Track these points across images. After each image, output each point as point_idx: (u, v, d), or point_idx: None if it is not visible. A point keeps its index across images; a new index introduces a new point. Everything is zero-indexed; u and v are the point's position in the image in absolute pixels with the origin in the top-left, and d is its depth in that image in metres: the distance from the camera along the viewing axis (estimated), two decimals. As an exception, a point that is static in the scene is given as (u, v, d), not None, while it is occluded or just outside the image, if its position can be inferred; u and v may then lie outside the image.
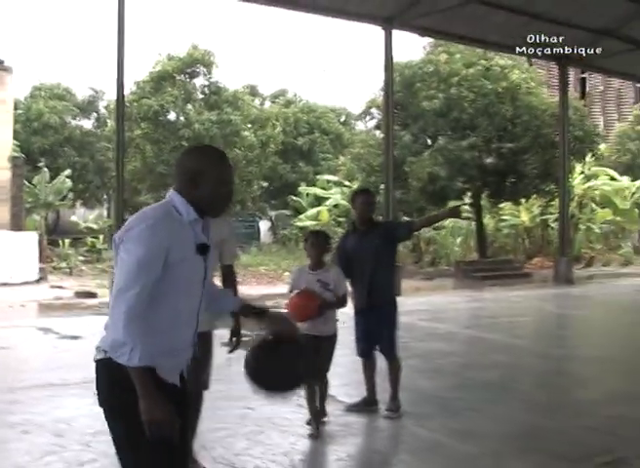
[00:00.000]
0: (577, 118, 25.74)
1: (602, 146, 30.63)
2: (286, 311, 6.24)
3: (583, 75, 49.46)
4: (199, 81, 27.58)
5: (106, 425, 3.14)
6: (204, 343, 5.29)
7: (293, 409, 7.26)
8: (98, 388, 3.13)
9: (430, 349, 10.87)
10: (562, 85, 23.32)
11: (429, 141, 24.94)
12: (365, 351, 7.19)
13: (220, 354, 10.20)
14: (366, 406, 7.15)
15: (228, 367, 9.54)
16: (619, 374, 9.68)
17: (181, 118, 26.42)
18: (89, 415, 7.02)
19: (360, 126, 40.02)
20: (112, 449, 5.71)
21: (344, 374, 8.27)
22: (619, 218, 33.14)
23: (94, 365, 3.11)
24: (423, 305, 16.20)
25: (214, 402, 7.51)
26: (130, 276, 2.98)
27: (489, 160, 25.47)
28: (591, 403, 8.06)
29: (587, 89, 54.45)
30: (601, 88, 53.27)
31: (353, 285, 7.10)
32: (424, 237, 31.39)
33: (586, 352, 11.64)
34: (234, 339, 5.47)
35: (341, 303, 6.47)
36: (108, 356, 3.00)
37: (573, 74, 49.88)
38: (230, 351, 5.47)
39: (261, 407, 7.30)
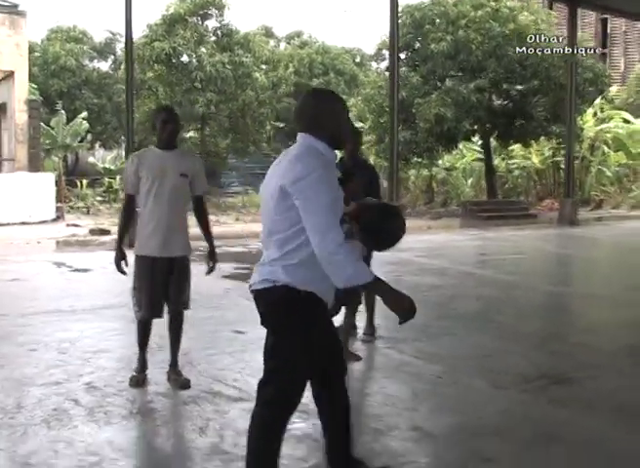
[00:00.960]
0: (587, 60, 25.86)
1: (613, 89, 30.61)
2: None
3: (605, 16, 48.89)
4: (211, 23, 27.87)
5: (272, 341, 3.81)
6: (182, 267, 5.93)
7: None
8: (268, 311, 3.77)
9: (421, 283, 11.39)
10: (570, 26, 23.41)
11: (438, 83, 25.19)
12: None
13: (218, 284, 10.88)
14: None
15: (225, 296, 10.26)
16: (599, 309, 10.20)
17: (194, 60, 26.77)
18: (92, 337, 7.71)
19: (375, 67, 40.15)
20: (109, 364, 6.46)
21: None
22: (632, 161, 33.27)
23: (259, 292, 3.74)
24: (424, 243, 16.69)
25: (207, 326, 8.22)
26: (324, 219, 3.49)
27: (497, 102, 25.74)
28: (562, 332, 8.64)
29: (608, 30, 53.97)
30: (623, 29, 52.78)
31: None
32: (437, 178, 31.81)
33: (574, 288, 12.20)
34: (210, 263, 6.08)
35: None
36: (281, 284, 3.62)
37: (594, 15, 49.49)
38: (207, 273, 6.08)
39: (252, 330, 7.94)
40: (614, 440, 5.05)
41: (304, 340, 3.71)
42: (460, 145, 29.01)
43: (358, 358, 6.95)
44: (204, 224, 6.17)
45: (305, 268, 3.61)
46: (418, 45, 25.57)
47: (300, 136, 3.76)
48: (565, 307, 10.74)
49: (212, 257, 6.13)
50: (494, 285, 11.52)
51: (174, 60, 26.74)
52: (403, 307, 3.58)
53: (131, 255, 5.99)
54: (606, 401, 5.90)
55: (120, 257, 5.97)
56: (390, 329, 8.09)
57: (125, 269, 5.97)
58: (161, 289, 5.93)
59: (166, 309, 6.03)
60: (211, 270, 6.14)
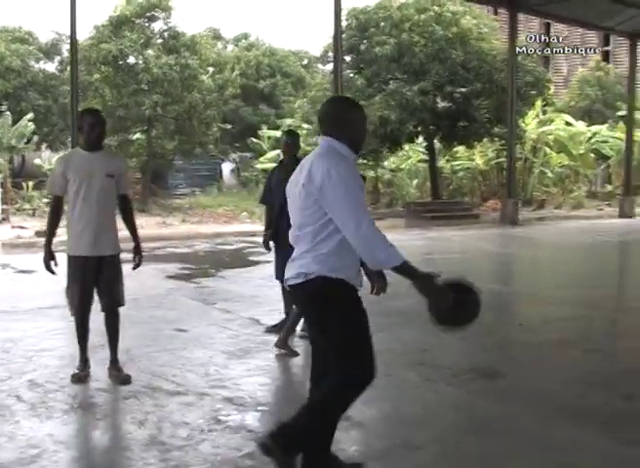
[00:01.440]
0: (528, 64, 26.40)
1: (552, 91, 31.23)
2: None
3: (548, 21, 49.65)
4: (158, 25, 27.85)
5: (316, 327, 4.26)
6: (112, 265, 6.14)
7: (219, 329, 8.14)
8: (306, 304, 4.24)
9: (361, 281, 11.61)
10: (511, 30, 23.89)
11: (383, 86, 25.50)
12: (282, 276, 8.02)
13: (162, 284, 11.05)
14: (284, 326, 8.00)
15: (168, 295, 10.43)
16: (532, 305, 10.60)
17: (140, 62, 26.73)
18: (35, 336, 7.85)
19: (321, 69, 40.44)
20: (52, 362, 6.62)
21: (272, 302, 9.10)
22: (573, 163, 34.00)
23: (294, 287, 4.17)
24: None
25: (149, 324, 8.40)
26: (353, 208, 3.88)
27: (441, 104, 26.13)
28: (494, 328, 8.94)
29: (551, 35, 54.91)
30: (565, 34, 53.74)
31: (269, 215, 8.03)
32: (383, 179, 32.13)
33: (510, 286, 12.59)
34: (136, 258, 6.29)
35: None
36: (314, 276, 4.02)
37: (537, 20, 50.29)
38: (134, 268, 6.37)
39: (192, 328, 8.18)
40: (535, 429, 5.33)
41: (346, 316, 4.12)
42: (406, 147, 29.39)
43: (296, 353, 7.21)
44: (130, 222, 6.42)
45: (335, 257, 4.01)
46: (362, 48, 25.87)
47: (322, 138, 4.20)
48: (500, 304, 11.06)
49: (137, 253, 6.38)
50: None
51: (120, 62, 26.67)
52: (433, 293, 4.00)
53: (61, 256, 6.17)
54: (530, 392, 6.21)
55: (49, 258, 6.16)
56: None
57: (54, 269, 6.16)
58: (92, 287, 6.14)
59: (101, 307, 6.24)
60: (137, 265, 6.38)
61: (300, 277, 4.07)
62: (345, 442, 5.02)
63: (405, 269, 3.94)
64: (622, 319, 9.89)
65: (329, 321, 4.11)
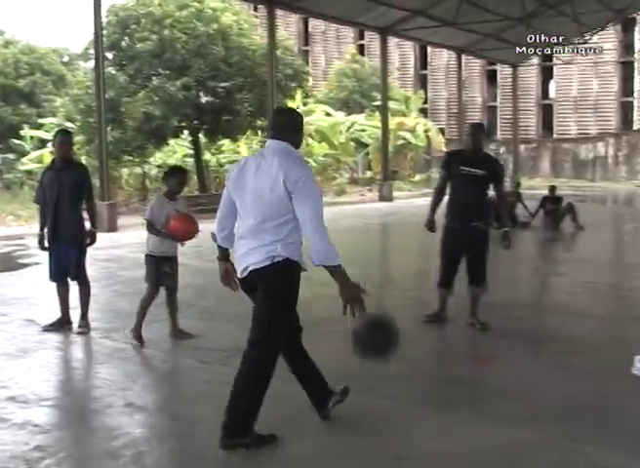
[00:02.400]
0: (287, 57, 27.36)
1: (310, 83, 32.48)
2: (171, 233, 7.81)
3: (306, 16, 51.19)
4: None
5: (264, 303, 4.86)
6: None
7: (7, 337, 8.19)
8: (270, 280, 4.80)
9: (133, 276, 11.56)
10: (270, 26, 24.63)
11: (146, 82, 25.59)
12: (57, 276, 8.19)
13: None
14: (61, 325, 8.17)
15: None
16: (303, 287, 11.24)
17: None
18: None
19: (83, 66, 39.75)
20: None
21: (46, 302, 9.21)
22: (335, 151, 35.47)
23: (261, 269, 4.76)
24: (136, 239, 17.01)
25: None
26: (318, 209, 4.65)
27: (204, 99, 26.56)
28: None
29: (310, 29, 56.78)
30: (322, 28, 55.68)
31: (44, 215, 8.11)
32: (150, 175, 32.09)
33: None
34: None
35: None
36: (281, 258, 4.73)
37: (297, 16, 51.83)
38: None
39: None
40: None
41: (293, 296, 4.94)
42: (171, 142, 29.61)
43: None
44: None
45: (295, 245, 4.82)
46: (124, 44, 25.83)
47: (278, 142, 4.87)
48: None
49: None
50: (199, 273, 11.93)
51: None
52: (353, 296, 4.70)
53: None
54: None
55: None
56: (105, 319, 8.63)
57: None
58: None
59: None
60: None
61: (269, 260, 4.75)
62: (130, 426, 5.34)
63: (340, 273, 4.69)
64: (389, 293, 10.81)
65: (282, 295, 4.87)
